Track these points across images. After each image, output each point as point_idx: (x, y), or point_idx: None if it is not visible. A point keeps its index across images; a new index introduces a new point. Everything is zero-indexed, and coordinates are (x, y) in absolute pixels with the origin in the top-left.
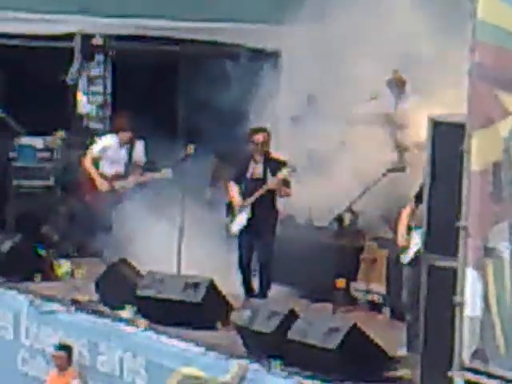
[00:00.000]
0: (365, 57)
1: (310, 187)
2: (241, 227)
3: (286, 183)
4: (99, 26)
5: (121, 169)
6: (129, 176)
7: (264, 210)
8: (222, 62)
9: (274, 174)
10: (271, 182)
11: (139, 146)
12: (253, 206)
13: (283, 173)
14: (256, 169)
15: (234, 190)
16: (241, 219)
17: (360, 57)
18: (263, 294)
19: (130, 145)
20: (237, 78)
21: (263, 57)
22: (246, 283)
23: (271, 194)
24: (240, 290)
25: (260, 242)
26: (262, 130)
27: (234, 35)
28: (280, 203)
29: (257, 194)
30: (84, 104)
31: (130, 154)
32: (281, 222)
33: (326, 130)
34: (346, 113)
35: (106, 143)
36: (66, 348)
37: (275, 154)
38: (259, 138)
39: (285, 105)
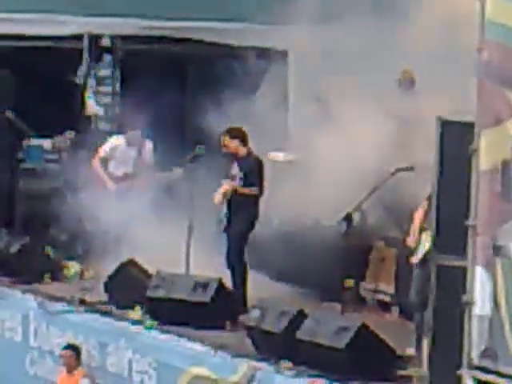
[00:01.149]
0: (374, 58)
1: (317, 186)
2: (223, 225)
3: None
4: (107, 26)
5: (129, 169)
6: (137, 176)
7: (236, 212)
8: (229, 62)
9: (245, 173)
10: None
11: (148, 146)
12: (229, 206)
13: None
14: (232, 168)
15: (220, 189)
16: (221, 217)
17: (369, 58)
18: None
19: (138, 145)
20: (244, 78)
21: (271, 56)
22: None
23: (243, 198)
24: (251, 290)
25: (229, 243)
26: (231, 130)
27: (241, 35)
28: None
29: (219, 196)
30: (92, 105)
31: (138, 154)
32: (289, 221)
33: (333, 129)
34: (354, 112)
35: (115, 143)
36: (74, 348)
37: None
38: (224, 138)
39: (293, 104)
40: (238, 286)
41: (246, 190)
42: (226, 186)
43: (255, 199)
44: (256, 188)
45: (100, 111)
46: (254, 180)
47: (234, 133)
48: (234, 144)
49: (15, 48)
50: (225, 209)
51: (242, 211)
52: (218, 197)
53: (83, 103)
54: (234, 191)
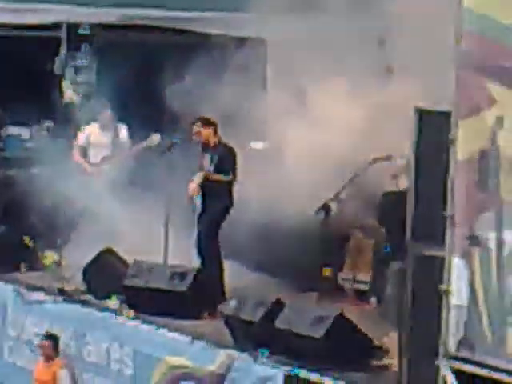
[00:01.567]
0: (351, 47)
1: (294, 175)
2: (197, 214)
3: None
4: (86, 15)
5: (108, 152)
6: (115, 157)
7: (209, 199)
8: (208, 51)
9: (217, 161)
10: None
11: (122, 129)
12: (202, 194)
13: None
14: (203, 159)
15: (194, 179)
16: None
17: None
18: None
19: (112, 129)
20: (223, 67)
21: (249, 45)
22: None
23: (216, 185)
24: (228, 280)
25: (201, 230)
26: (203, 118)
27: (220, 25)
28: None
29: (194, 186)
30: (70, 94)
31: (114, 138)
32: (267, 210)
33: (309, 118)
34: (330, 101)
35: (89, 130)
36: (52, 337)
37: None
38: (197, 126)
39: (271, 93)
40: (212, 274)
41: (218, 177)
42: (200, 175)
43: (228, 186)
44: (228, 176)
45: (77, 100)
46: (227, 167)
47: (206, 121)
48: (206, 132)
49: None
50: (199, 198)
51: (215, 199)
52: (192, 187)
53: (61, 92)
54: (206, 179)
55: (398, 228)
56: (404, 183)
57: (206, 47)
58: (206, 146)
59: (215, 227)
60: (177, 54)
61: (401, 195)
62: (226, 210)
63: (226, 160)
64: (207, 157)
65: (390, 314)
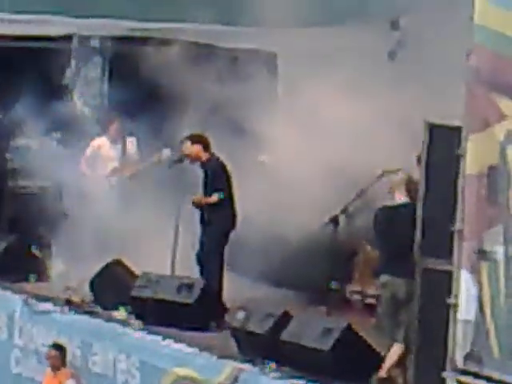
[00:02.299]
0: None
1: (304, 188)
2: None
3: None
4: (96, 27)
5: (116, 164)
6: (124, 168)
7: (208, 218)
8: (218, 63)
9: (209, 177)
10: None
11: (131, 142)
12: (201, 211)
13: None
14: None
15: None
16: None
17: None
18: None
19: (121, 142)
20: (234, 80)
21: (260, 59)
22: None
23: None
24: (234, 292)
25: (205, 248)
26: (192, 136)
27: (230, 37)
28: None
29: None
30: (80, 106)
31: (122, 151)
32: (275, 223)
33: (319, 131)
34: (340, 114)
35: (97, 144)
36: (59, 347)
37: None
38: (186, 144)
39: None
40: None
41: (208, 200)
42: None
43: (224, 203)
44: (219, 193)
45: (87, 112)
46: (218, 184)
47: (196, 138)
48: (195, 149)
49: (3, 48)
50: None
51: (212, 218)
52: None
53: (71, 104)
54: (198, 204)
55: (391, 241)
56: (400, 197)
57: (214, 59)
58: (199, 163)
59: (219, 245)
60: (187, 65)
61: (396, 209)
62: (226, 228)
63: (217, 176)
64: (202, 173)
65: (384, 327)
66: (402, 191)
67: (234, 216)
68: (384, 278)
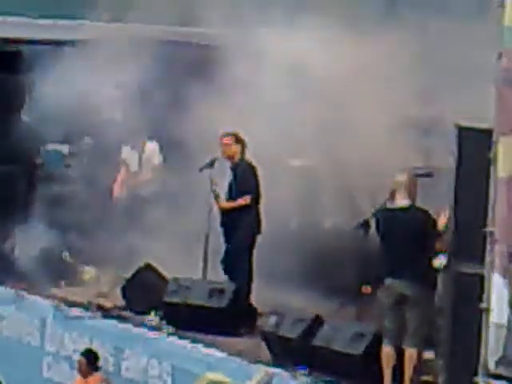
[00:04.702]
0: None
1: (336, 191)
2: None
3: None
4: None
5: (135, 169)
6: (141, 172)
7: (232, 223)
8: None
9: (238, 179)
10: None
11: (150, 147)
12: (228, 215)
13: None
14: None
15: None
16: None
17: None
18: None
19: (140, 147)
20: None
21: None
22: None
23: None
24: (265, 296)
25: (231, 253)
26: (235, 134)
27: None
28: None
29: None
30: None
31: (141, 156)
32: (307, 226)
33: (350, 134)
34: (372, 118)
35: (124, 156)
36: (87, 354)
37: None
38: (226, 140)
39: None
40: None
41: (240, 202)
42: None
43: (251, 207)
44: (248, 196)
45: (118, 117)
46: (248, 187)
47: (239, 138)
48: (236, 149)
49: (31, 51)
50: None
51: (240, 222)
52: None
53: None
54: (222, 208)
55: (393, 244)
56: (401, 199)
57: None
58: (230, 164)
59: (245, 246)
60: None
61: (397, 212)
62: (252, 232)
63: (248, 179)
64: (231, 174)
65: (387, 330)
66: (403, 193)
67: (259, 221)
68: (388, 281)
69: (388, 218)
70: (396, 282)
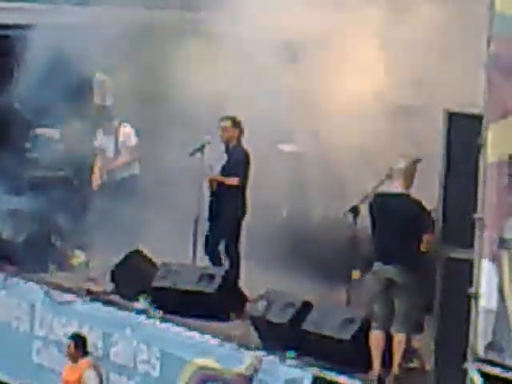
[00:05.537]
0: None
1: (324, 177)
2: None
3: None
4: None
5: (110, 154)
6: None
7: (221, 203)
8: None
9: (232, 162)
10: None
11: (123, 130)
12: (211, 195)
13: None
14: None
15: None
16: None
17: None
18: None
19: (113, 131)
20: None
21: None
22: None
23: (226, 189)
24: (254, 281)
25: (221, 238)
26: (234, 118)
27: None
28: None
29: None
30: (101, 95)
31: (115, 140)
32: (296, 212)
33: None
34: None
35: (98, 139)
36: (76, 338)
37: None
38: (226, 124)
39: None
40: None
41: (221, 179)
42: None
43: (236, 191)
44: (235, 178)
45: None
46: (239, 170)
47: (237, 122)
48: (233, 133)
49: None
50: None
51: (223, 204)
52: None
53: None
54: (212, 182)
55: (383, 229)
56: (397, 186)
57: None
58: (226, 146)
59: (227, 231)
60: None
61: (390, 198)
62: (237, 215)
63: (240, 163)
64: (224, 157)
65: (376, 315)
66: (400, 180)
67: (245, 206)
68: (376, 265)
69: (380, 203)
70: (384, 267)
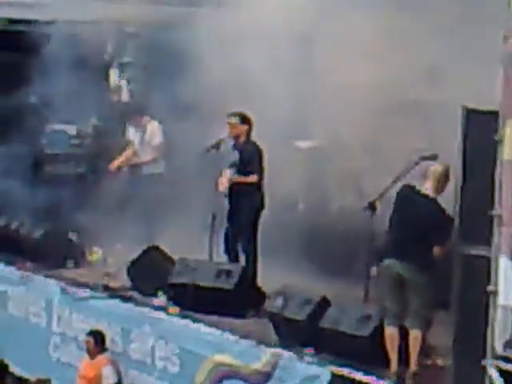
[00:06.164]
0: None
1: (342, 173)
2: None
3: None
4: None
5: (136, 148)
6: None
7: (240, 200)
8: None
9: (244, 159)
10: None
11: (150, 127)
12: (230, 193)
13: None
14: (233, 155)
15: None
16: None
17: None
18: None
19: (142, 127)
20: None
21: None
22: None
23: (243, 186)
24: (272, 277)
25: (240, 234)
26: (241, 113)
27: None
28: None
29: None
30: (115, 77)
31: (142, 135)
32: (314, 208)
33: (355, 116)
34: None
35: (128, 133)
36: (94, 334)
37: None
38: (233, 120)
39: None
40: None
41: (242, 179)
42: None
43: (256, 186)
44: (254, 175)
45: (125, 98)
46: (255, 167)
47: (246, 118)
48: (242, 129)
49: (40, 33)
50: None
51: (243, 199)
52: (223, 185)
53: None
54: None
55: (402, 225)
56: (428, 187)
57: None
58: (235, 143)
59: (246, 227)
60: None
61: (418, 196)
62: (257, 210)
63: (254, 159)
64: (236, 154)
65: (388, 310)
66: (433, 183)
67: (261, 203)
68: (388, 261)
69: (407, 198)
70: (395, 262)
